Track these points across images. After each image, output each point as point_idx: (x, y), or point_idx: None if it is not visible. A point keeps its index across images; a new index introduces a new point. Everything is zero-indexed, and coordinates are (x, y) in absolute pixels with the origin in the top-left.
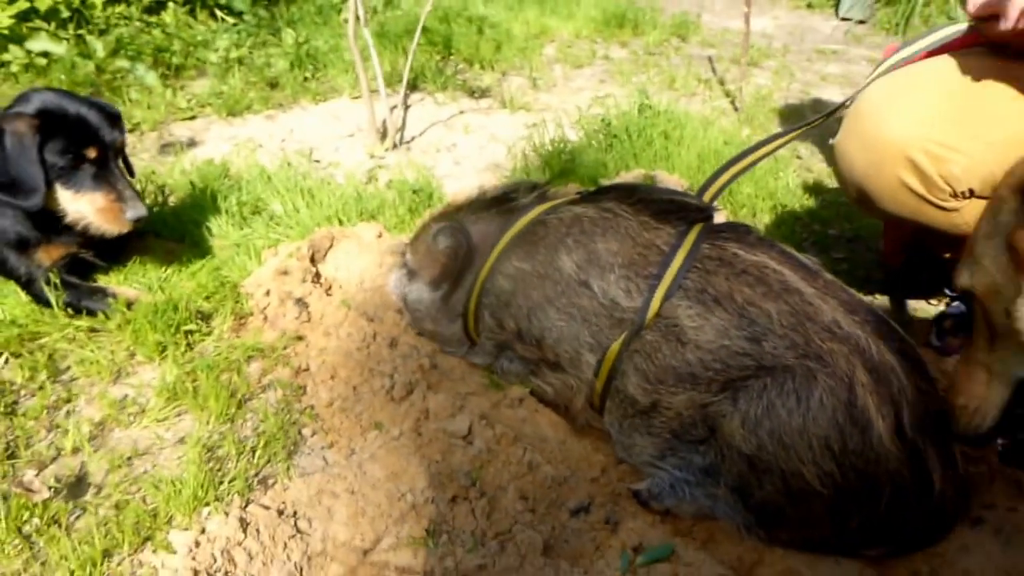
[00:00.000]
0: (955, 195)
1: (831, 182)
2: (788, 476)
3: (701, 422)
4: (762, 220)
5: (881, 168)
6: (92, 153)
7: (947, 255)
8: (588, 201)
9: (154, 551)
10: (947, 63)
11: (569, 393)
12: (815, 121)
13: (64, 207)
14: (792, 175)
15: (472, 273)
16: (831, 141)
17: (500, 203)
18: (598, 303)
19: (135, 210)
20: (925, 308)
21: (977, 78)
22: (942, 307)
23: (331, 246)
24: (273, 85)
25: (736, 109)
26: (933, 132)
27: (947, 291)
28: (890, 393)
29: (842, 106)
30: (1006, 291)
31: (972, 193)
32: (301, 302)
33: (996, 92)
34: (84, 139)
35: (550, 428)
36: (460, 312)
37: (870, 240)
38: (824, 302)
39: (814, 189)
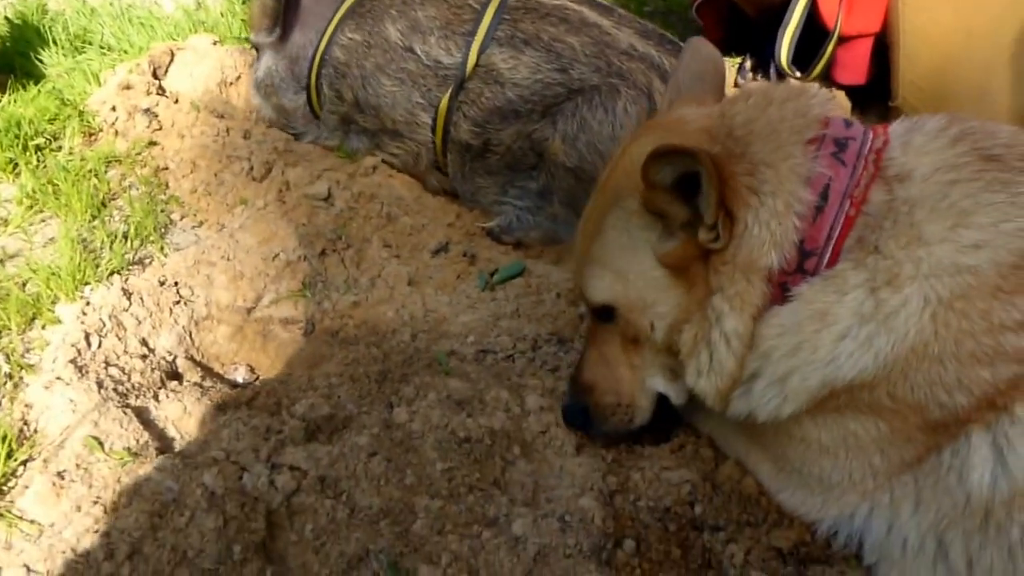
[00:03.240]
0: None
1: None
2: None
3: (530, 150)
4: None
5: None
6: None
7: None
8: None
9: (43, 327)
10: None
11: (412, 159)
12: None
13: None
14: None
15: (309, 40)
16: None
17: None
18: (423, 65)
19: None
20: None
21: None
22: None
23: (171, 61)
24: None
25: None
26: None
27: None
28: None
29: None
30: (657, 307)
31: None
32: (149, 112)
33: None
34: None
35: (404, 188)
36: (304, 85)
37: (679, 12)
38: (620, 31)
39: None
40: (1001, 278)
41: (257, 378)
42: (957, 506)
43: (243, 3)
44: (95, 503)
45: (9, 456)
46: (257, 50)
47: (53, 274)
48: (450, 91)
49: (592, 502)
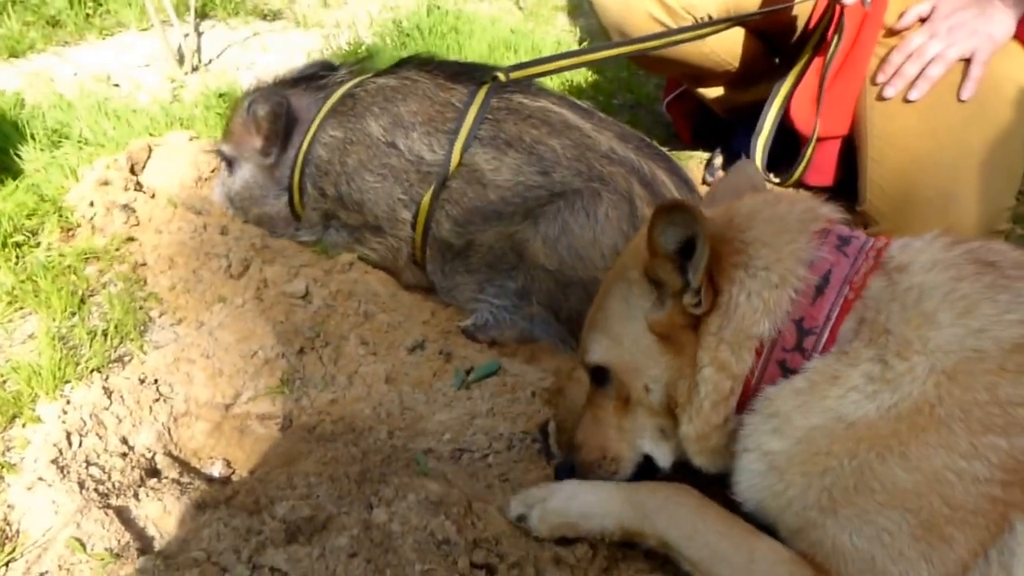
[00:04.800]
0: (696, 21)
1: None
2: (587, 284)
3: (510, 251)
4: None
5: (631, 8)
6: None
7: (701, 90)
8: (390, 72)
9: (23, 425)
10: None
11: (392, 254)
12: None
13: None
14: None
15: (293, 147)
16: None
17: (310, 80)
18: (406, 160)
19: None
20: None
21: None
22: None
23: (149, 156)
24: (54, 23)
25: (520, 9)
26: None
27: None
28: None
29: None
30: (649, 371)
31: (711, 18)
32: (127, 208)
33: None
34: None
35: (380, 285)
36: (285, 186)
37: (647, 105)
38: (600, 134)
39: (597, 69)
40: (1004, 358)
41: (233, 472)
42: None
43: (219, 97)
44: None
45: None
46: (230, 162)
47: (35, 372)
48: (432, 189)
49: None
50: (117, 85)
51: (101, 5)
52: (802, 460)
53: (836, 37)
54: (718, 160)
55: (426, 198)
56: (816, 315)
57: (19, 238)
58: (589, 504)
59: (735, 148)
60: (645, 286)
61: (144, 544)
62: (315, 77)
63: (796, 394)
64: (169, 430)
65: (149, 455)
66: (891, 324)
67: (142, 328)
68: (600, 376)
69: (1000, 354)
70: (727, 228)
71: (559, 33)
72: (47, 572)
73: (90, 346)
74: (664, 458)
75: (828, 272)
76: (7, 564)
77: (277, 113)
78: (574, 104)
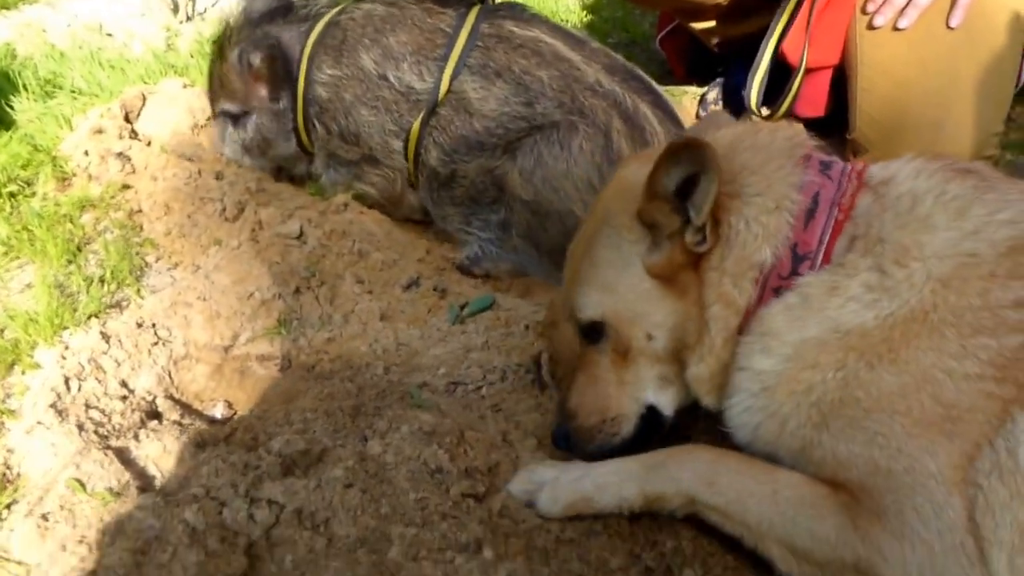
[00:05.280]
0: None
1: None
2: (563, 215)
3: (492, 185)
4: None
5: None
6: None
7: (693, 24)
8: None
9: (23, 372)
10: None
11: (389, 184)
12: None
13: None
14: None
15: (289, 85)
16: None
17: (287, 12)
18: (396, 91)
19: None
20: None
21: None
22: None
23: (143, 104)
24: None
25: None
26: None
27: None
28: (643, 137)
29: None
30: (651, 317)
31: None
32: (122, 156)
33: None
34: None
35: (375, 224)
36: (291, 128)
37: (643, 44)
38: (589, 66)
39: (590, 7)
40: (997, 263)
41: (235, 414)
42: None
43: (212, 44)
44: (80, 542)
45: None
46: (236, 116)
47: (31, 320)
48: (422, 116)
49: None
50: (110, 35)
51: None
52: (790, 377)
53: None
54: (712, 95)
55: (415, 125)
56: (809, 240)
57: (13, 188)
58: (605, 474)
59: (730, 83)
60: (638, 230)
61: (144, 483)
62: (286, 9)
63: (787, 309)
64: (169, 373)
65: (150, 398)
66: (885, 233)
67: (139, 273)
68: (594, 333)
69: (994, 257)
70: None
71: None
72: (49, 512)
73: (87, 293)
74: (669, 406)
75: (817, 194)
76: (9, 506)
77: (273, 57)
78: (567, 34)
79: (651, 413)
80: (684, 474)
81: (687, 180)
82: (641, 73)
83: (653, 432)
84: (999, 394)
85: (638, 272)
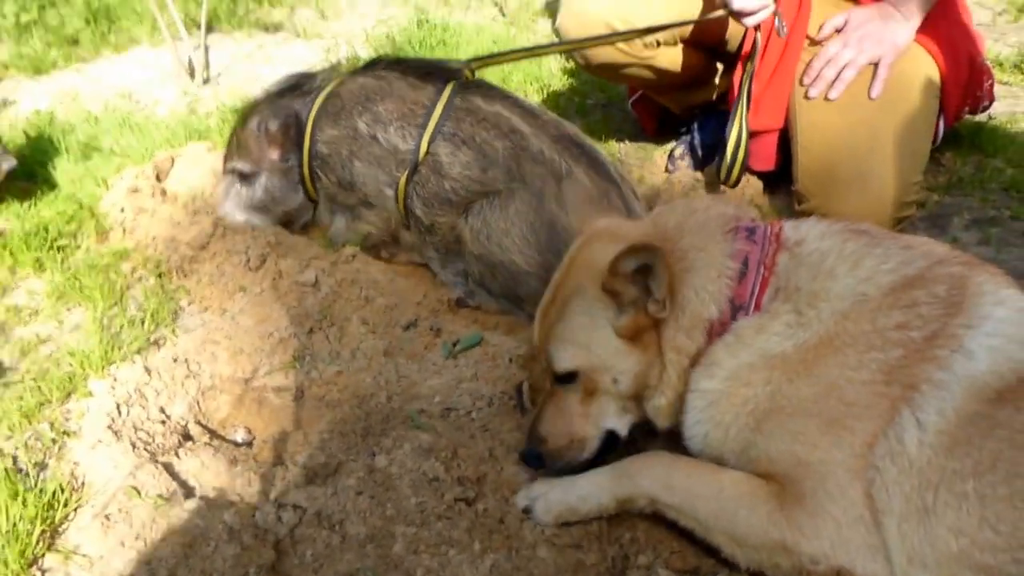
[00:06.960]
0: (646, 46)
1: None
2: (506, 265)
3: (454, 240)
4: (533, 99)
5: (587, 30)
6: None
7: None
8: (365, 72)
9: (78, 400)
10: None
11: (384, 222)
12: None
13: None
14: (553, 61)
15: (298, 146)
16: (555, 25)
17: (295, 89)
18: (385, 149)
19: (7, 162)
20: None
21: None
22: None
23: (172, 166)
24: (73, 42)
25: (503, 15)
26: (622, 5)
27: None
28: (572, 195)
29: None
30: (618, 366)
31: (659, 43)
32: (155, 212)
33: None
34: None
35: (380, 273)
36: (299, 180)
37: (618, 104)
38: (536, 137)
39: (571, 72)
40: (882, 299)
41: (254, 438)
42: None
43: (233, 113)
44: (136, 539)
45: (64, 504)
46: (246, 176)
47: (85, 356)
48: (406, 173)
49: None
50: (137, 101)
51: (115, 23)
52: (730, 392)
53: (751, 53)
54: (678, 151)
55: (402, 180)
56: (743, 293)
57: (63, 242)
58: (584, 487)
59: (693, 140)
60: (604, 300)
61: (188, 491)
62: (298, 86)
63: (726, 346)
64: (198, 402)
65: (183, 423)
66: (801, 283)
67: (174, 315)
68: (568, 378)
69: (880, 296)
70: (664, 240)
71: (538, 38)
72: (110, 513)
73: (131, 332)
74: (624, 428)
75: (746, 259)
76: (76, 509)
77: (288, 125)
78: (525, 108)
79: (610, 435)
80: (645, 480)
81: (642, 266)
82: (584, 139)
83: (610, 449)
84: (888, 394)
85: (607, 333)
